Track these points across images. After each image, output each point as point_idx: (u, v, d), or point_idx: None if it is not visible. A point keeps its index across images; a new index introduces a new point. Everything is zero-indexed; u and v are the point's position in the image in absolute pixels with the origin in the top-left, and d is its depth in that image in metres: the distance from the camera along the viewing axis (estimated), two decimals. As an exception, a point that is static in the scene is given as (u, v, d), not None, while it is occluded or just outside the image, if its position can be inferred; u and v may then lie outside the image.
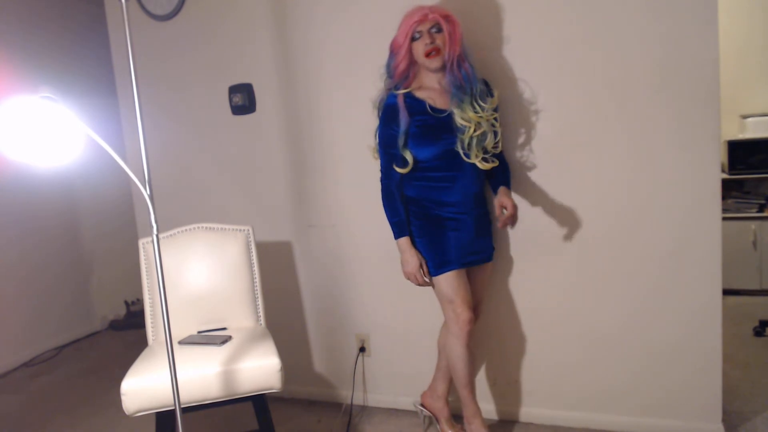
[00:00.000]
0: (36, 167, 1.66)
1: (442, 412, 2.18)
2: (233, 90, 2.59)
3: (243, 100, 2.57)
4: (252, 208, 2.67)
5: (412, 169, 1.96)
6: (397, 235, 1.97)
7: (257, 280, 2.22)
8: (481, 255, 2.04)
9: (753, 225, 3.60)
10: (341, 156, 2.45)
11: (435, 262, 1.97)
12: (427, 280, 1.98)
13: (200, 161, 2.74)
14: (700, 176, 1.96)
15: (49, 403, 2.92)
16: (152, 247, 1.76)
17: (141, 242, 2.22)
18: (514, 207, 1.96)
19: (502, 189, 2.00)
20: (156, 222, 1.40)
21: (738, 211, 3.65)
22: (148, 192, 1.40)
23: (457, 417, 2.19)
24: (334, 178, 2.49)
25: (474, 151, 1.89)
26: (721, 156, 2.26)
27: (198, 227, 2.23)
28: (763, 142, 3.57)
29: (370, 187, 2.40)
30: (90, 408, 2.79)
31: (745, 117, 3.69)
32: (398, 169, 1.96)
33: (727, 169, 3.62)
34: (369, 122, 2.36)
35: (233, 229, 2.24)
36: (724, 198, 3.23)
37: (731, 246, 3.44)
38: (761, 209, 3.63)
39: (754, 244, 3.60)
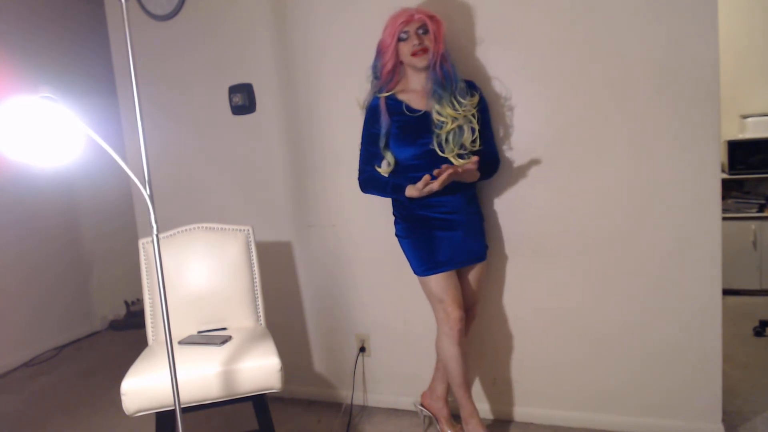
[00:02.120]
0: (36, 167, 1.66)
1: (442, 412, 2.18)
2: (233, 90, 2.59)
3: (243, 100, 2.57)
4: (252, 208, 2.67)
5: (395, 171, 2.03)
6: (401, 191, 1.94)
7: (257, 280, 2.22)
8: (473, 254, 2.05)
9: (753, 225, 3.60)
10: (341, 156, 2.45)
11: (423, 263, 2.00)
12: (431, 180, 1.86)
13: (200, 161, 2.74)
14: (700, 176, 1.96)
15: (49, 403, 2.92)
16: (152, 247, 1.76)
17: (141, 242, 2.22)
18: (451, 172, 1.83)
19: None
20: (156, 222, 1.40)
21: (738, 211, 3.65)
22: (148, 192, 1.40)
23: (457, 417, 2.19)
24: (334, 178, 2.49)
25: (450, 146, 1.91)
26: (721, 156, 2.26)
27: (198, 227, 2.23)
28: (763, 142, 3.57)
29: (370, 187, 2.41)
30: (90, 408, 2.79)
31: (745, 117, 3.69)
32: (380, 170, 2.04)
33: (727, 169, 3.62)
34: (369, 122, 2.37)
35: (233, 229, 2.24)
36: (724, 198, 3.23)
37: (731, 246, 3.44)
38: (761, 209, 3.63)
39: (754, 244, 3.60)
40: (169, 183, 2.76)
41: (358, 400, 2.60)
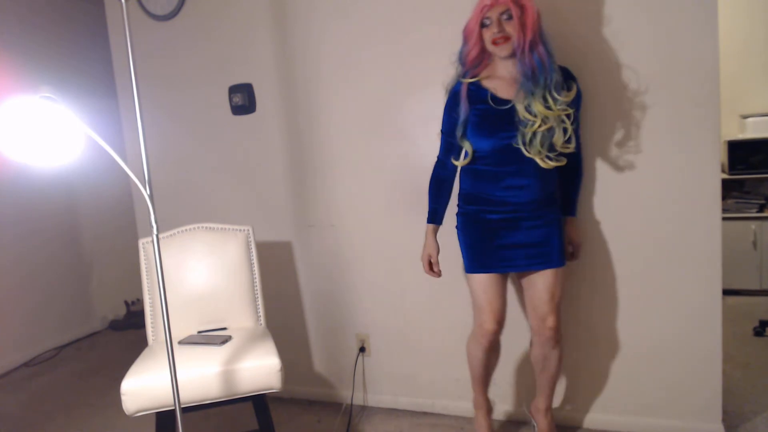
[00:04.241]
0: (36, 167, 1.66)
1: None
2: (233, 90, 2.59)
3: (243, 100, 2.57)
4: (252, 208, 2.67)
5: (469, 162, 1.90)
6: (427, 220, 2.01)
7: (257, 280, 2.22)
8: (540, 259, 1.88)
9: (753, 225, 3.60)
10: (341, 156, 2.45)
11: (470, 260, 1.92)
12: (435, 271, 2.02)
13: (200, 161, 2.74)
14: (700, 176, 1.96)
15: (49, 403, 2.92)
16: (152, 247, 1.76)
17: (141, 242, 2.22)
18: (578, 245, 2.03)
19: (569, 221, 2.01)
20: (156, 222, 1.40)
21: (738, 211, 3.65)
22: (148, 192, 1.40)
23: (561, 428, 2.17)
24: (334, 178, 2.49)
25: (536, 147, 1.75)
26: (721, 156, 2.26)
27: (198, 227, 2.23)
28: (763, 142, 3.57)
29: (370, 187, 2.41)
30: (90, 408, 2.79)
31: (745, 117, 3.69)
32: (455, 162, 1.93)
33: (727, 169, 3.62)
34: (369, 121, 2.37)
35: (233, 229, 2.24)
36: (724, 198, 3.23)
37: (731, 246, 3.44)
38: (761, 209, 3.63)
39: (754, 244, 3.60)
40: (169, 183, 2.76)
41: (358, 400, 2.60)
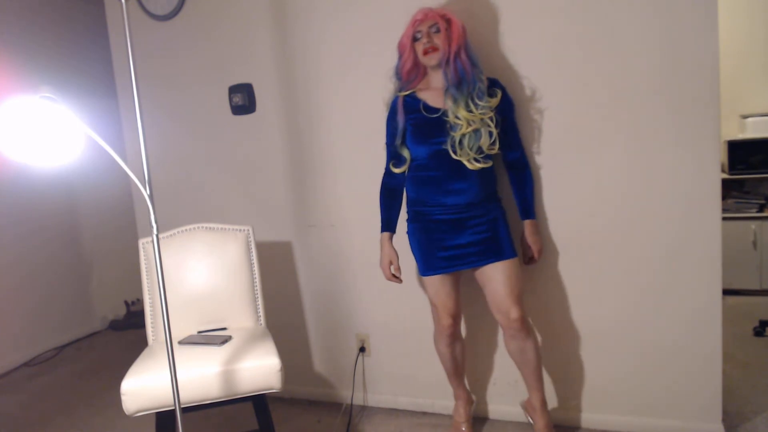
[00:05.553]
0: (36, 167, 1.66)
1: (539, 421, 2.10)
2: (233, 90, 2.59)
3: (243, 100, 2.57)
4: (252, 208, 2.67)
5: (410, 168, 2.04)
6: (381, 229, 2.11)
7: (257, 280, 2.22)
8: (488, 254, 1.95)
9: (753, 225, 3.60)
10: (341, 156, 2.45)
11: (421, 263, 2.05)
12: (396, 275, 2.10)
13: (200, 161, 2.74)
14: (700, 176, 1.96)
15: (49, 403, 2.92)
16: (152, 247, 1.76)
17: (141, 242, 2.22)
18: (539, 250, 2.06)
19: (527, 224, 2.07)
20: (156, 222, 1.40)
21: (738, 211, 3.65)
22: (148, 192, 1.40)
23: (558, 427, 2.16)
24: (334, 178, 2.49)
25: (465, 149, 1.89)
26: (721, 156, 2.26)
27: (198, 227, 2.23)
28: (763, 142, 3.57)
29: (370, 187, 2.41)
30: (90, 408, 2.79)
31: (745, 117, 3.69)
32: (393, 169, 2.06)
33: (727, 169, 3.62)
34: (369, 122, 2.37)
35: (233, 229, 2.24)
36: (724, 198, 3.23)
37: (731, 246, 3.44)
38: (761, 209, 3.63)
39: (754, 244, 3.60)
40: (169, 183, 2.76)
41: (358, 400, 2.60)
